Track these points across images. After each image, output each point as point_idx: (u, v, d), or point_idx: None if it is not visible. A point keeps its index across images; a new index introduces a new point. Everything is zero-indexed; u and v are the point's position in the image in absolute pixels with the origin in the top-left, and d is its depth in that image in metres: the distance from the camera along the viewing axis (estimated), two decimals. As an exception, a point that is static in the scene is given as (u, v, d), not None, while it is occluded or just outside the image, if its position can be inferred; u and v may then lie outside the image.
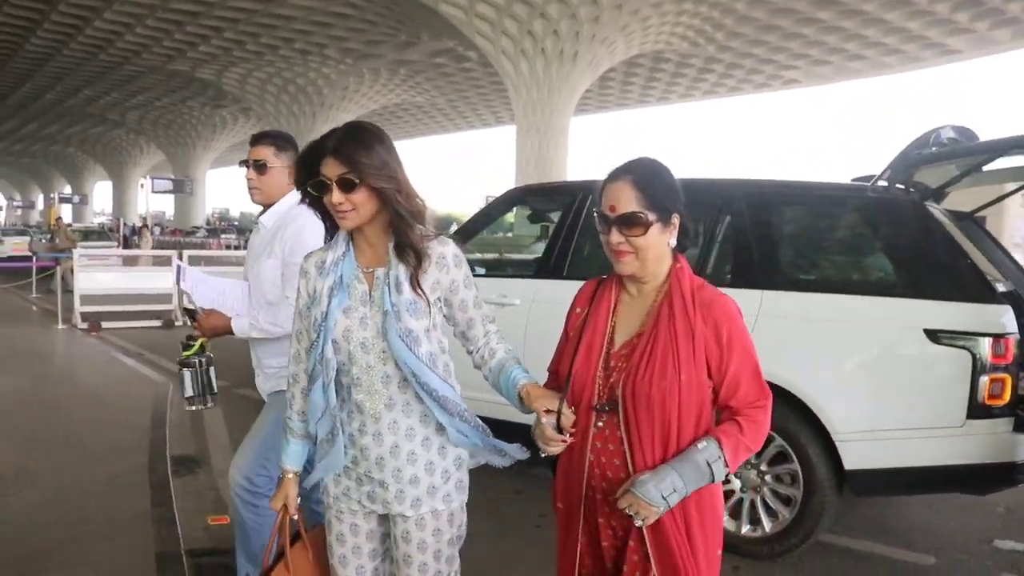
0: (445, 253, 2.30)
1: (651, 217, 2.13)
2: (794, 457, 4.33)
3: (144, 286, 14.26)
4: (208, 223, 62.16)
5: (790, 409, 4.29)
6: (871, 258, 4.95)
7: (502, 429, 2.61)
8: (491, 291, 5.41)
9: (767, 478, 4.47)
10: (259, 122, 54.11)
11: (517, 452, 2.39)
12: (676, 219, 2.17)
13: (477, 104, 54.04)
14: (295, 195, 3.13)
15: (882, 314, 4.26)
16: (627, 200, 2.13)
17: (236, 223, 67.04)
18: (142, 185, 52.51)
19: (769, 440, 4.34)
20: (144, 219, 46.89)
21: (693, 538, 2.13)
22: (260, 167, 3.46)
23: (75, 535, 4.47)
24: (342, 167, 2.18)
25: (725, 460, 2.08)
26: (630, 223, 2.13)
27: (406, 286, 2.23)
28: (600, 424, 2.17)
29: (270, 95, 46.85)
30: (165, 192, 50.61)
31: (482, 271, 6.74)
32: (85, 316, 13.56)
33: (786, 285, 4.59)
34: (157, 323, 14.03)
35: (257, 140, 3.54)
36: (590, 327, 2.25)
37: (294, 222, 3.31)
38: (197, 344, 3.41)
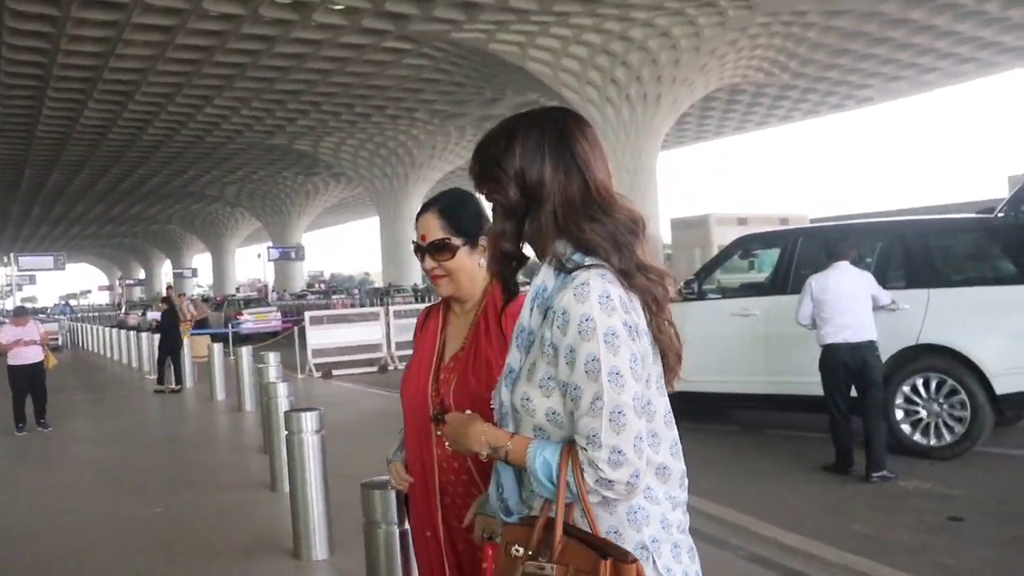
0: None
1: (457, 242, 2.27)
2: (962, 391, 6.80)
3: (360, 339, 16.95)
4: (310, 286, 65.55)
5: (958, 361, 6.83)
6: (1002, 263, 7.51)
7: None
8: (737, 307, 8.05)
9: (944, 407, 6.91)
10: (349, 184, 57.31)
11: None
12: (484, 242, 2.21)
13: (559, 151, 56.21)
14: None
15: (1010, 297, 6.86)
16: (434, 229, 2.27)
17: (335, 285, 70.25)
18: (259, 255, 56.10)
19: (943, 382, 6.88)
20: (263, 286, 50.19)
21: None
22: None
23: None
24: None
25: None
26: (439, 249, 2.27)
27: None
28: (439, 433, 2.19)
29: (363, 159, 49.84)
30: (280, 260, 54.17)
31: (718, 296, 8.86)
32: (318, 366, 16.38)
33: (947, 284, 7.17)
34: (373, 369, 16.65)
35: None
36: (420, 346, 2.40)
37: None
38: None
